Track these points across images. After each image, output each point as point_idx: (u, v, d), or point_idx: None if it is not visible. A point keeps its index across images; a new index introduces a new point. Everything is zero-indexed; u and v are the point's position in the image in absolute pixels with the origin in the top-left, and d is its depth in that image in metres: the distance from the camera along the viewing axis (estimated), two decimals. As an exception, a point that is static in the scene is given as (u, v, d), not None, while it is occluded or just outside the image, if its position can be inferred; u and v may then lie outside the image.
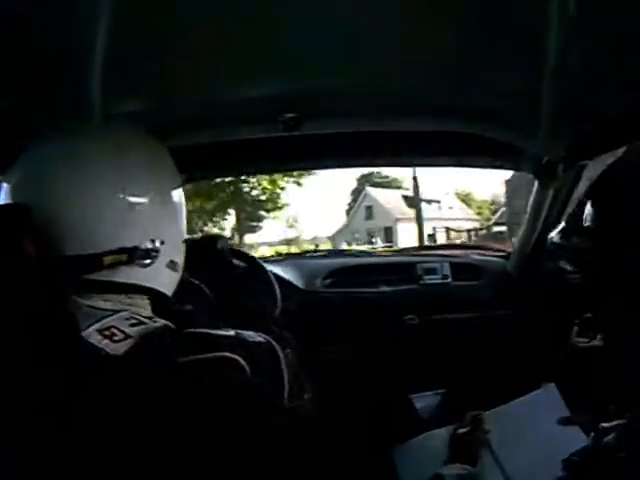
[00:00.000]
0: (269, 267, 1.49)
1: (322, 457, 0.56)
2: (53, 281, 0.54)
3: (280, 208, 16.54)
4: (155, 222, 0.64)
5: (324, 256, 2.26)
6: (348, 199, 33.44)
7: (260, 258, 1.59)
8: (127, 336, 0.55)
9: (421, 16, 0.82)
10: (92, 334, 0.53)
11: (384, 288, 1.69)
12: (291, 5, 0.78)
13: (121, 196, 0.61)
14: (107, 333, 0.54)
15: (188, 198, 0.76)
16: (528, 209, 1.53)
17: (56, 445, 0.46)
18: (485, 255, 1.99)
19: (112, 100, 0.91)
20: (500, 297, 1.66)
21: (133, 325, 0.57)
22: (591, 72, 0.93)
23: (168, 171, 0.70)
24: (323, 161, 1.68)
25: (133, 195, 0.62)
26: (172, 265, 0.67)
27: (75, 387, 0.48)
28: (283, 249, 12.54)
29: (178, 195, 0.70)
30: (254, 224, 17.77)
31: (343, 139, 1.35)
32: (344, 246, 16.30)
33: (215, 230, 15.23)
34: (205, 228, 15.07)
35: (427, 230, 17.52)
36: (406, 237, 20.62)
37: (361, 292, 1.69)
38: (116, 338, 0.54)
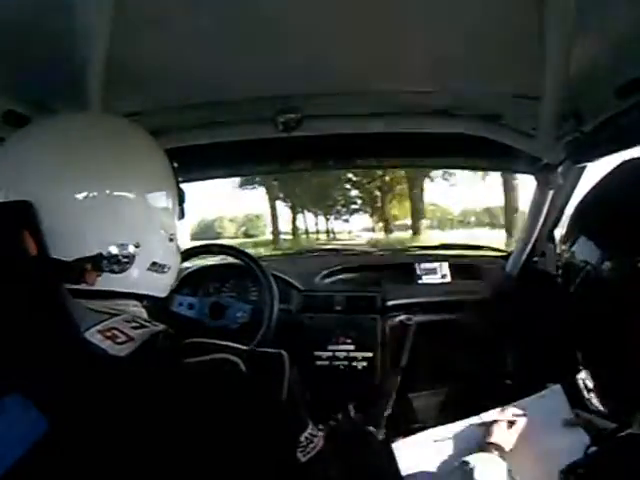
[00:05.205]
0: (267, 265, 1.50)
1: (320, 451, 0.56)
2: (54, 280, 0.53)
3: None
4: (128, 224, 0.60)
5: (323, 256, 2.26)
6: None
7: (259, 257, 1.59)
8: (130, 338, 0.54)
9: (421, 18, 0.82)
10: (94, 335, 0.53)
11: (383, 288, 1.69)
12: (291, 6, 0.79)
13: (85, 194, 0.57)
14: (109, 334, 0.53)
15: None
16: (528, 211, 1.54)
17: (59, 442, 0.46)
18: (484, 255, 1.99)
19: (112, 100, 0.91)
20: (499, 297, 1.65)
21: (135, 328, 0.56)
22: (591, 73, 0.93)
23: (151, 170, 0.65)
24: (323, 162, 1.68)
25: (95, 194, 0.57)
26: (155, 267, 0.64)
27: (78, 386, 0.48)
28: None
29: (162, 193, 0.65)
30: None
31: (343, 140, 1.35)
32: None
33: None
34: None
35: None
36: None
37: (360, 292, 1.69)
38: (119, 340, 0.53)
